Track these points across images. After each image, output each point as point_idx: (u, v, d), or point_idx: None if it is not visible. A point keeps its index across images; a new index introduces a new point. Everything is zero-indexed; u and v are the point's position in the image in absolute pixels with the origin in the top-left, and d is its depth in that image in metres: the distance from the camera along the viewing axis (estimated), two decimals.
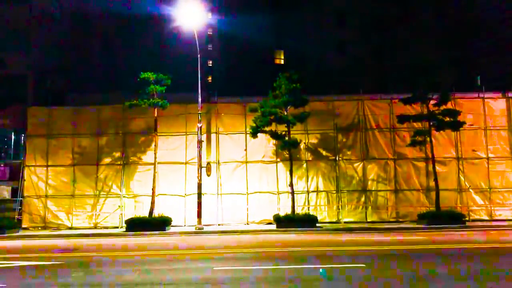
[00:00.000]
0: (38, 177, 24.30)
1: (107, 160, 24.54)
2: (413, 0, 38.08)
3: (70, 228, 23.55)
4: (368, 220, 23.67)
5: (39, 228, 23.67)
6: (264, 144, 24.24)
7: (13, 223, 22.58)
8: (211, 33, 48.04)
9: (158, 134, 23.06)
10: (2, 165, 26.46)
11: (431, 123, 22.27)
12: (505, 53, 33.52)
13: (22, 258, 12.85)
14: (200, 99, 22.62)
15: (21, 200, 24.23)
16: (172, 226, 22.26)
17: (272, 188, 24.21)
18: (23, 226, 23.61)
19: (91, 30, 33.70)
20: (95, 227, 23.67)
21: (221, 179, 24.26)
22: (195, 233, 20.65)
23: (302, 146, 23.71)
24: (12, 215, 23.90)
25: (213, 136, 24.77)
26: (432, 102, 22.26)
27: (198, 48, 22.63)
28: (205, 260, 12.26)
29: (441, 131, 22.86)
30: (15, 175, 25.25)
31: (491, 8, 35.18)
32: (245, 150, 24.40)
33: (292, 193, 22.01)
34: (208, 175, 22.58)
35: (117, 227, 23.33)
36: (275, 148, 24.26)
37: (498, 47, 34.16)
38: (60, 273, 10.40)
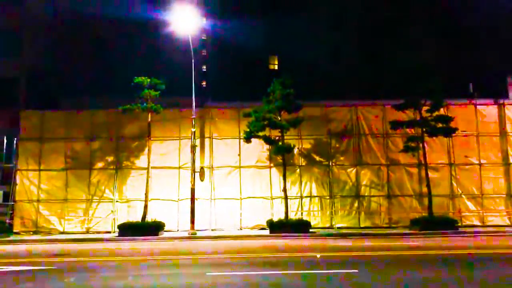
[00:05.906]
0: (30, 181, 24.11)
1: (100, 164, 24.43)
2: (407, 8, 38.40)
3: (62, 233, 23.36)
4: (361, 225, 23.70)
5: (31, 232, 23.46)
6: (258, 149, 24.23)
7: (4, 228, 22.39)
8: (205, 38, 48.04)
9: (151, 138, 23.01)
10: None
11: (424, 129, 22.36)
12: (498, 61, 33.81)
13: (14, 263, 12.73)
14: (194, 104, 22.63)
15: (12, 204, 24.02)
16: (165, 231, 22.16)
17: (265, 193, 24.19)
18: (15, 230, 23.38)
19: (85, 33, 33.57)
20: (88, 232, 23.51)
21: (214, 184, 24.22)
22: (188, 238, 20.58)
23: (295, 151, 23.73)
24: (3, 219, 23.67)
25: (206, 141, 24.76)
26: (424, 108, 22.36)
27: (192, 53, 22.65)
28: (198, 265, 12.23)
29: (434, 137, 22.96)
30: (7, 179, 25.04)
31: (485, 16, 35.55)
32: (239, 155, 24.39)
33: (286, 198, 21.98)
34: (202, 180, 22.53)
35: (110, 232, 23.18)
36: (268, 153, 24.25)
37: (491, 54, 34.46)
38: (51, 278, 10.33)
